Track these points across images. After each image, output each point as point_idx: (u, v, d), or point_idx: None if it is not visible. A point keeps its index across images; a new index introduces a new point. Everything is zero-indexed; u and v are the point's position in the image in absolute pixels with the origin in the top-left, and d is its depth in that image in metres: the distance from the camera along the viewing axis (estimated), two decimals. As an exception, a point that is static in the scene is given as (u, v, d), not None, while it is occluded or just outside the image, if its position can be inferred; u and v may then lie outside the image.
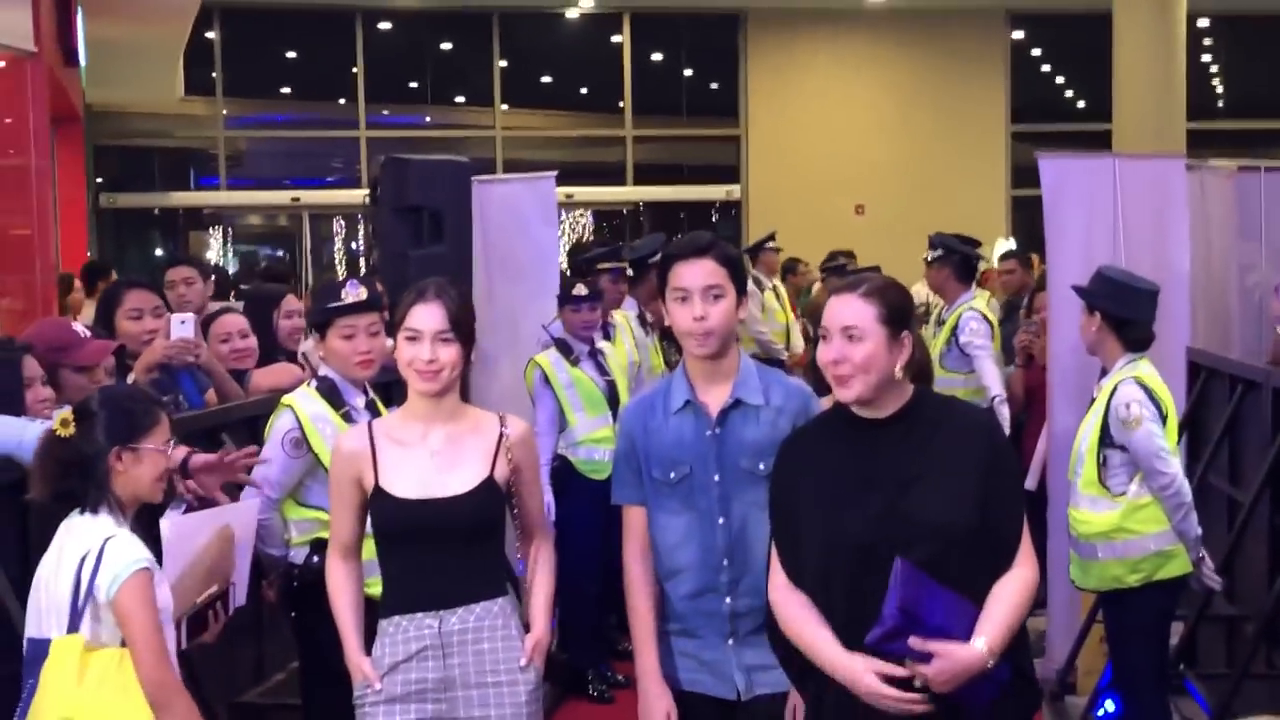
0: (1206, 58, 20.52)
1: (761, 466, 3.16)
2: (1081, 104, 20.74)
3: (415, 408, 3.40)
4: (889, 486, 2.84)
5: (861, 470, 2.88)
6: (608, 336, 6.59)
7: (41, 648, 3.05)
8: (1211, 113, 19.78)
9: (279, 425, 4.17)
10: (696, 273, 3.21)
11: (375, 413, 4.24)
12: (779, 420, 3.23)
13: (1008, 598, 2.81)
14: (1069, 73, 21.12)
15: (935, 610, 2.72)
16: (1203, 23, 19.23)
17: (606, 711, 6.05)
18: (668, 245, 3.38)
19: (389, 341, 3.75)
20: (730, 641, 3.24)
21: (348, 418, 4.15)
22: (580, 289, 6.17)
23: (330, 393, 4.20)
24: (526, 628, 3.42)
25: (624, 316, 7.04)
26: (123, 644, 3.03)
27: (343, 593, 3.43)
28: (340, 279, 5.21)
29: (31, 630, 3.10)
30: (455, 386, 3.40)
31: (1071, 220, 5.94)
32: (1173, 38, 14.13)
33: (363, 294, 4.19)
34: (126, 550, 3.04)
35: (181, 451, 3.60)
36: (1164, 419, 4.69)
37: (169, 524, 3.41)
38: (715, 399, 3.27)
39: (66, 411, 3.17)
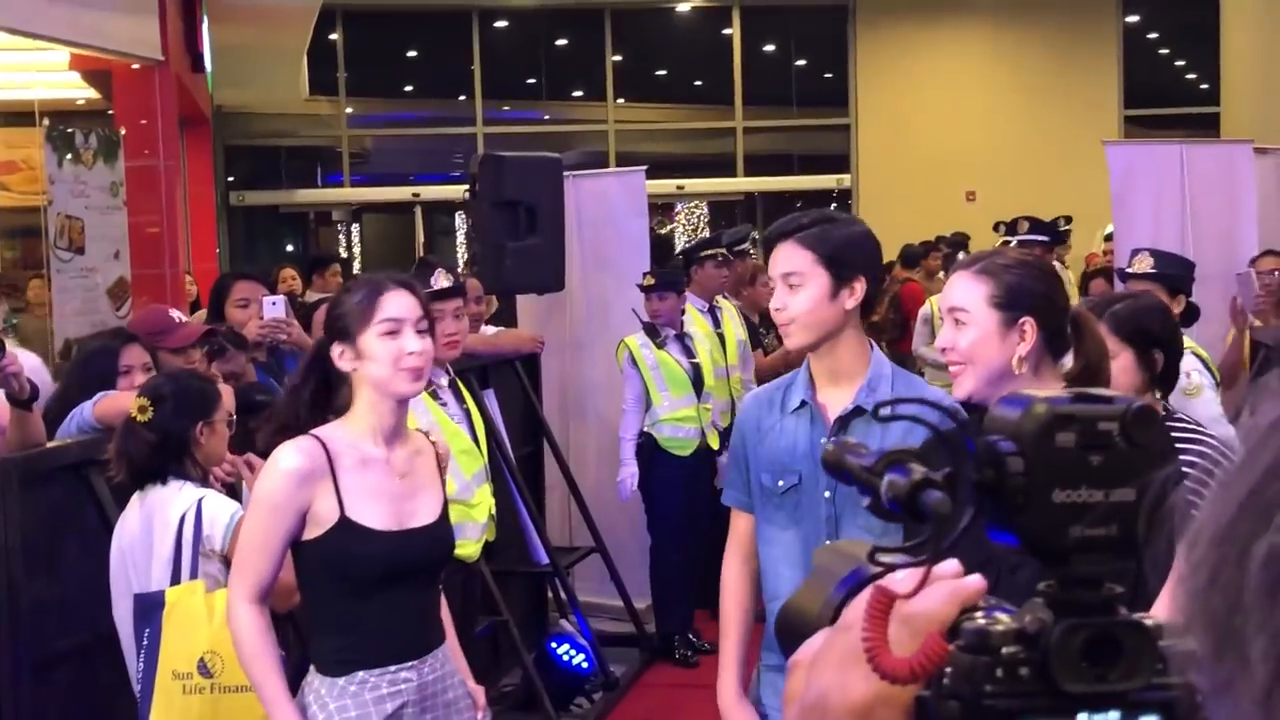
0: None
1: None
2: (1205, 86, 20.49)
3: (370, 419, 2.85)
4: None
5: None
6: (716, 320, 6.90)
7: (154, 599, 3.34)
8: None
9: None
10: (777, 258, 2.84)
11: (458, 392, 4.60)
12: (908, 438, 2.46)
13: None
14: (1184, 55, 20.89)
15: None
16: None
17: (691, 674, 6.35)
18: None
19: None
20: None
21: (434, 395, 4.51)
22: (647, 280, 6.52)
23: (418, 372, 4.52)
24: None
25: (727, 302, 7.23)
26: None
27: (266, 651, 2.81)
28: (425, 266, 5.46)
29: (136, 587, 3.39)
30: None
31: (1140, 206, 6.13)
32: (1282, 19, 13.99)
33: (450, 280, 4.57)
34: (224, 503, 3.42)
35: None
36: (1217, 386, 4.90)
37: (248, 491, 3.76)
38: (836, 402, 2.84)
39: (142, 399, 3.45)
